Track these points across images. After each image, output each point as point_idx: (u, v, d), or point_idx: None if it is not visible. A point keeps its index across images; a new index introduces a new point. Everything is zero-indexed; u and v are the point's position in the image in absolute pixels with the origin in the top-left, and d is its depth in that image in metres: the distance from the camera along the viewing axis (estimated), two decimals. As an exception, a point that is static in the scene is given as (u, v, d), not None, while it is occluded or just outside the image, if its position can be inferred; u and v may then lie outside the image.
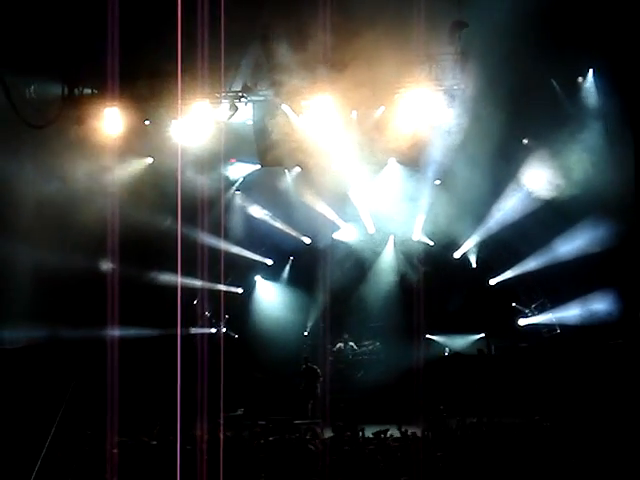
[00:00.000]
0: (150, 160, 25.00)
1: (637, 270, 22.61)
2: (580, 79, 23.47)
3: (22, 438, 18.77)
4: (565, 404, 21.78)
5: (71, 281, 23.88)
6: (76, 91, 23.43)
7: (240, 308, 28.49)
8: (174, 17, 20.74)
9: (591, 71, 23.32)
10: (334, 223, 27.24)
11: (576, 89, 23.59)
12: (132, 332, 23.82)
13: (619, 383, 21.98)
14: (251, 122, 23.62)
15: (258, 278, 28.73)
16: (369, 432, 18.83)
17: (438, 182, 25.25)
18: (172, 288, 25.84)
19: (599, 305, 23.71)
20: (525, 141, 24.20)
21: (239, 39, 21.64)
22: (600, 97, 23.20)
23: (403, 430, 18.48)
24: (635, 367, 22.14)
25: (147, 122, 23.41)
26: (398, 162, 25.54)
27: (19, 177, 22.98)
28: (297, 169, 25.92)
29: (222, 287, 26.28)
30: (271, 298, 28.58)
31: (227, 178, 26.08)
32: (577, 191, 23.22)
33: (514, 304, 26.41)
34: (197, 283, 25.16)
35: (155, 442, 18.02)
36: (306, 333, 27.55)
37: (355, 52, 21.78)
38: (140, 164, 25.06)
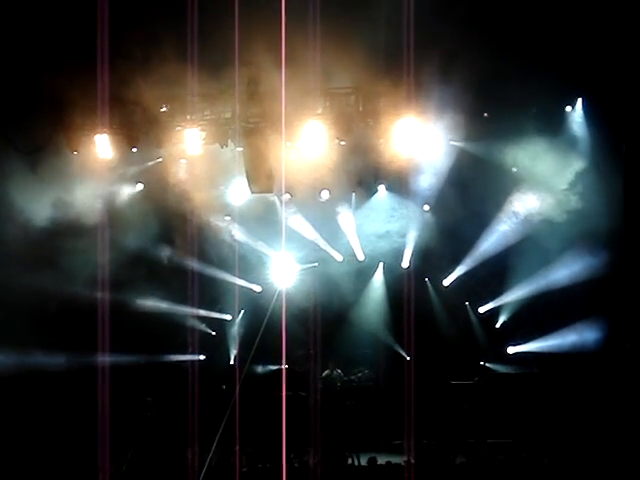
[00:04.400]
0: (140, 187, 24.99)
1: (625, 299, 22.65)
2: (569, 108, 23.60)
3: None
4: (550, 432, 21.85)
5: (60, 308, 23.87)
6: (66, 117, 23.46)
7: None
8: (162, 43, 21.10)
9: (580, 100, 23.47)
10: (323, 250, 27.22)
11: (564, 118, 23.73)
12: (121, 359, 23.75)
13: (604, 410, 22.09)
14: (241, 149, 23.67)
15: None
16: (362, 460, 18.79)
17: (427, 207, 25.32)
18: (162, 314, 26.05)
19: (586, 334, 23.72)
20: (514, 169, 24.27)
21: (229, 66, 21.75)
22: (589, 126, 23.34)
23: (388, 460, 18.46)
24: (621, 395, 22.20)
25: (134, 149, 23.39)
26: (387, 189, 25.65)
27: (7, 203, 22.99)
28: (286, 196, 25.91)
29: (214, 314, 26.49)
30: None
31: (218, 204, 26.03)
32: (565, 220, 23.32)
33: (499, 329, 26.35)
34: (187, 310, 25.24)
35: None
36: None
37: (343, 80, 22.00)
38: (130, 191, 25.06)
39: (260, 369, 27.50)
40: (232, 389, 25.96)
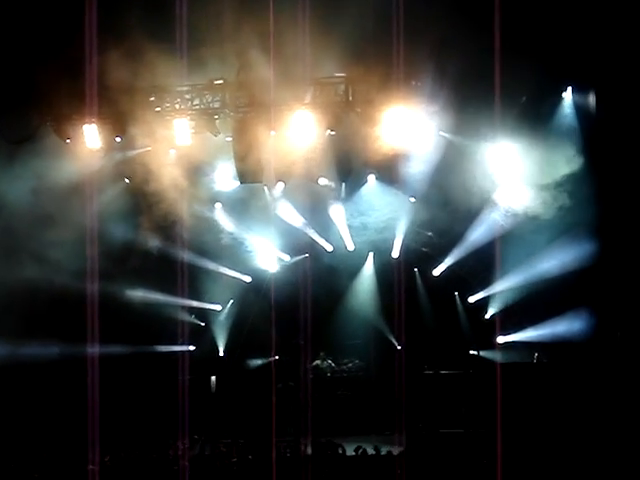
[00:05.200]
0: (128, 177, 24.93)
1: (613, 289, 22.69)
2: (562, 96, 23.60)
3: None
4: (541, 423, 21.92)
5: (48, 298, 23.82)
6: (54, 107, 23.36)
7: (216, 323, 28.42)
8: (150, 32, 21.03)
9: (570, 89, 23.47)
10: (313, 240, 27.18)
11: (554, 106, 23.72)
12: (110, 349, 23.71)
13: (595, 398, 22.18)
14: (230, 139, 23.61)
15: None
16: (349, 450, 18.76)
17: (412, 199, 25.29)
18: (150, 306, 26.00)
19: (575, 324, 23.74)
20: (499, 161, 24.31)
21: (217, 55, 21.70)
22: (578, 115, 23.34)
23: (378, 448, 18.45)
24: (611, 385, 22.27)
25: (118, 139, 23.32)
26: (377, 179, 25.62)
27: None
28: (276, 186, 25.84)
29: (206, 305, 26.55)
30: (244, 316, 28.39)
31: (207, 192, 25.98)
32: (553, 214, 23.34)
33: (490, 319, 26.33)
34: (176, 300, 25.20)
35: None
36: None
37: (334, 68, 21.96)
38: (118, 180, 24.98)
39: (249, 360, 27.54)
40: (223, 380, 26.07)
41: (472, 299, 26.58)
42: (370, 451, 18.54)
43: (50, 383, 24.01)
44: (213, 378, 26.60)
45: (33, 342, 23.35)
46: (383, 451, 18.48)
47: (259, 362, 27.55)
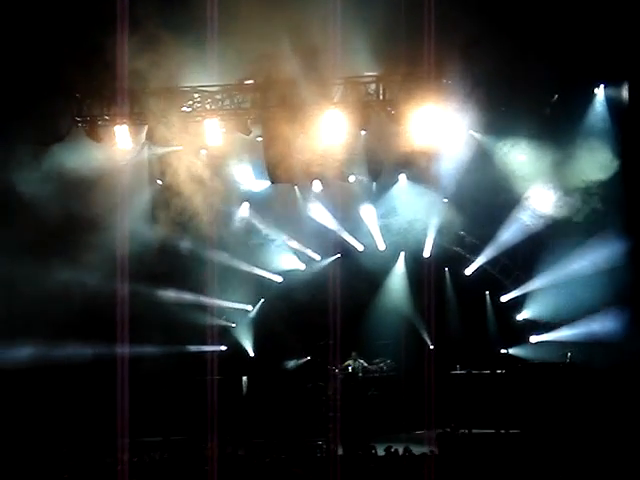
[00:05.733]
0: (160, 179, 25.01)
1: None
2: (594, 93, 23.42)
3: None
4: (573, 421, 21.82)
5: (83, 299, 23.94)
6: (86, 109, 23.47)
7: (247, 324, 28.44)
8: (182, 33, 21.09)
9: (602, 87, 23.30)
10: (344, 239, 27.11)
11: (586, 105, 23.56)
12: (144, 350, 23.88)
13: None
14: (260, 139, 23.66)
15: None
16: (380, 450, 18.69)
17: (446, 200, 25.18)
18: (181, 306, 26.04)
19: (607, 324, 23.59)
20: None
21: (248, 56, 21.73)
22: (611, 113, 23.16)
23: (408, 449, 18.38)
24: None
25: (149, 140, 23.42)
26: (408, 179, 25.53)
27: (29, 194, 23.04)
28: (307, 185, 25.81)
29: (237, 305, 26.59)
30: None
31: (238, 192, 26.02)
32: (586, 211, 23.22)
33: (523, 319, 26.17)
34: (207, 300, 25.24)
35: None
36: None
37: (365, 67, 21.93)
38: (151, 181, 25.08)
39: (280, 360, 27.52)
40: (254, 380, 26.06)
41: (505, 298, 26.39)
42: (401, 451, 18.46)
43: (83, 385, 24.12)
44: (244, 378, 26.58)
45: (67, 344, 23.45)
46: (415, 452, 18.40)
47: (290, 363, 27.55)
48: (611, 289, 22.91)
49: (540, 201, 24.24)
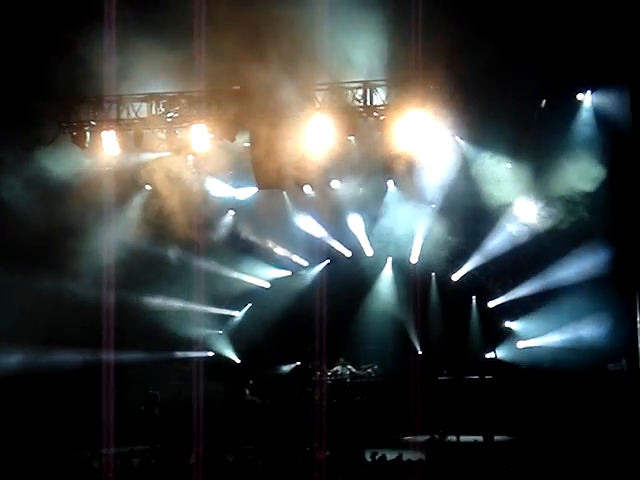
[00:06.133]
0: (147, 186, 24.97)
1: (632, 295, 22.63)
2: (578, 99, 23.48)
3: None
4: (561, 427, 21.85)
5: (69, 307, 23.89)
6: (73, 114, 23.39)
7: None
8: (169, 39, 21.07)
9: (589, 93, 23.35)
10: (332, 246, 27.12)
11: (573, 112, 23.62)
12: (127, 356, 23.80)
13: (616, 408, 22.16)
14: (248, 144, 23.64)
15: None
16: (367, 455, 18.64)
17: (433, 206, 25.19)
18: (170, 312, 25.99)
19: (592, 330, 23.69)
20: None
21: (235, 62, 21.70)
22: (598, 120, 23.23)
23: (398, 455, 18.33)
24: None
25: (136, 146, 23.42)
26: (396, 185, 25.51)
27: (16, 199, 22.99)
28: (293, 191, 25.77)
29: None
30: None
31: (225, 198, 25.99)
32: (572, 217, 23.31)
33: (508, 326, 26.19)
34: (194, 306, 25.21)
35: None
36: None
37: (352, 73, 21.92)
38: (139, 187, 25.03)
39: (268, 366, 27.46)
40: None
41: (492, 304, 26.41)
42: (389, 457, 18.42)
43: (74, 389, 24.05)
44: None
45: (56, 350, 23.42)
46: (403, 458, 18.35)
47: (279, 368, 27.50)
48: (596, 296, 23.05)
49: (525, 210, 24.32)
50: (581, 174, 22.95)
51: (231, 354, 27.83)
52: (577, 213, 23.30)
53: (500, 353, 25.69)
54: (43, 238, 23.02)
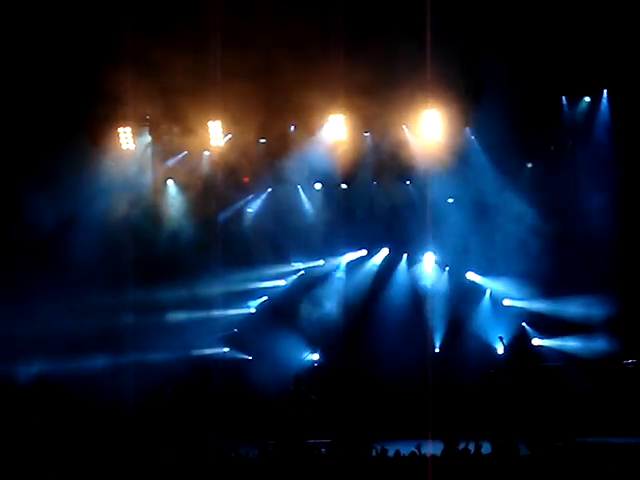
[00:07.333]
0: (170, 181, 25.15)
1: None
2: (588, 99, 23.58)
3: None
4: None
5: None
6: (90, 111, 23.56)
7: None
8: (185, 32, 21.26)
9: (605, 92, 23.39)
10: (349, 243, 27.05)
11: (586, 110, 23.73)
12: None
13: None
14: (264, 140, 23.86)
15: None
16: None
17: (451, 200, 25.21)
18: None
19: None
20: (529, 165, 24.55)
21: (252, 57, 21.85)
22: (614, 119, 23.31)
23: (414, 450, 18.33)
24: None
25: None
26: (410, 182, 25.53)
27: (34, 198, 23.18)
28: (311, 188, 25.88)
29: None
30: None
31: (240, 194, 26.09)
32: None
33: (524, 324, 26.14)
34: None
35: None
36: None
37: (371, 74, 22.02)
38: (156, 185, 25.20)
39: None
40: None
41: (507, 302, 26.31)
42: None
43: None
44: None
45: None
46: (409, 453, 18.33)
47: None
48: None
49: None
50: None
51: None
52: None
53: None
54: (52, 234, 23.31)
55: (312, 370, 25.74)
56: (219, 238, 25.36)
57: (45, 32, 21.85)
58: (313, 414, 22.67)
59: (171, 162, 24.49)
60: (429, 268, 26.58)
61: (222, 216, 25.60)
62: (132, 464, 16.43)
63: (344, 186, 25.34)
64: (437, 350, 25.97)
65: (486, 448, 18.75)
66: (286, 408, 22.31)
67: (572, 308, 24.24)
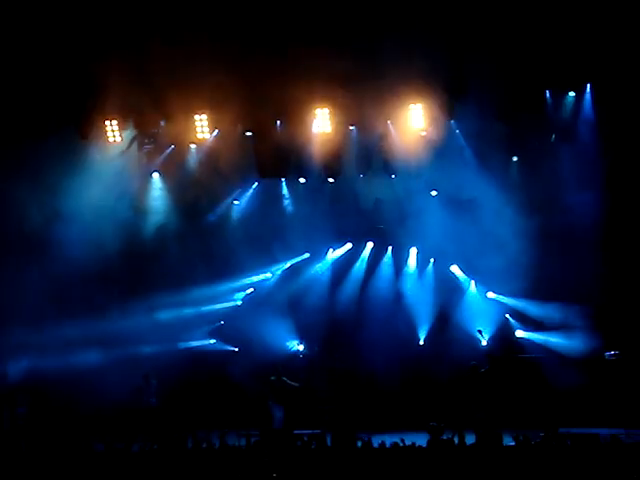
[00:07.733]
0: (156, 174, 25.19)
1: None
2: (573, 93, 23.68)
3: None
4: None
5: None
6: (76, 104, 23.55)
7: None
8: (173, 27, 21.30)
9: (588, 86, 23.50)
10: (334, 237, 27.09)
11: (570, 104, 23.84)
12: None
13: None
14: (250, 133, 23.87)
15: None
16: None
17: (435, 193, 25.29)
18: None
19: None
20: (515, 158, 24.65)
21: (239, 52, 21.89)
22: (597, 113, 23.41)
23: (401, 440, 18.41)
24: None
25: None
26: (394, 175, 25.57)
27: (21, 192, 23.20)
28: (297, 182, 25.92)
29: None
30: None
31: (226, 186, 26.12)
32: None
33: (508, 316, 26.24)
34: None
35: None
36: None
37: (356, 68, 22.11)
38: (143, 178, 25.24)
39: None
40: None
41: (491, 295, 26.39)
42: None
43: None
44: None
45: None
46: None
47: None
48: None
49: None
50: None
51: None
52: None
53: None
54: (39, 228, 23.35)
55: (297, 361, 25.90)
56: (205, 231, 25.49)
57: (32, 25, 21.79)
58: (297, 403, 22.80)
59: (157, 155, 24.46)
60: (413, 261, 26.71)
61: (207, 209, 25.70)
62: (119, 456, 16.58)
63: (329, 180, 25.36)
64: (421, 342, 26.11)
65: (470, 439, 19.12)
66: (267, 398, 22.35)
67: (551, 310, 24.53)
